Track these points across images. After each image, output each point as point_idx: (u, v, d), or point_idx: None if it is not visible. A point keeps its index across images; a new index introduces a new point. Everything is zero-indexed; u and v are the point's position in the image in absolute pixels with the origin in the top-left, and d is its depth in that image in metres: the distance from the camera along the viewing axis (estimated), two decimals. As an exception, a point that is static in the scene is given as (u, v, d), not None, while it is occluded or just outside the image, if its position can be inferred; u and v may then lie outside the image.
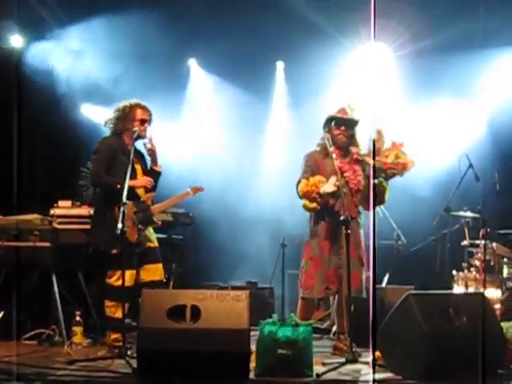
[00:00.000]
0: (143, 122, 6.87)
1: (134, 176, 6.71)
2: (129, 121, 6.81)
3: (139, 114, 6.85)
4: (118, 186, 6.31)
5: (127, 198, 6.16)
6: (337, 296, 6.75)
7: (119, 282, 6.35)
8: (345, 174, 6.60)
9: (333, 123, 6.81)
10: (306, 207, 6.55)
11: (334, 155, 6.33)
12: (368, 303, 6.87)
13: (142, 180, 6.87)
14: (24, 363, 5.73)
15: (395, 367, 5.50)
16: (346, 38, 9.90)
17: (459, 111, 10.21)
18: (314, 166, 6.72)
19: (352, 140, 6.84)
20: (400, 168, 6.43)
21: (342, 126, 6.78)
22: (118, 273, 6.43)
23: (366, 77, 10.31)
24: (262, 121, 11.20)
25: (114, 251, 6.56)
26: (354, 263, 6.35)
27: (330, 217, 6.62)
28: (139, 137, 6.86)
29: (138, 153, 6.93)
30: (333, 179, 6.34)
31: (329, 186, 6.36)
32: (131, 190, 6.50)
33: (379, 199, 6.58)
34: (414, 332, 5.33)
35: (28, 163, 9.41)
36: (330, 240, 6.63)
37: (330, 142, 6.49)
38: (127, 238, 6.34)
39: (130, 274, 6.51)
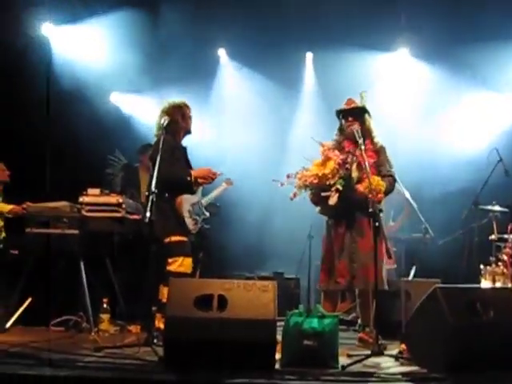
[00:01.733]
0: (191, 118, 7.25)
1: (190, 170, 7.10)
2: (183, 119, 7.13)
3: (189, 112, 7.22)
4: (188, 179, 6.80)
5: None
6: (357, 289, 6.77)
7: (181, 268, 6.73)
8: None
9: (340, 116, 6.86)
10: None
11: (362, 147, 6.31)
12: (390, 296, 6.90)
13: (204, 170, 7.12)
14: (52, 349, 5.74)
15: (421, 360, 5.47)
16: (378, 29, 9.84)
17: (491, 104, 10.15)
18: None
19: (363, 128, 6.79)
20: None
21: (349, 117, 6.79)
22: (180, 259, 6.75)
23: (394, 75, 10.34)
24: (291, 111, 11.21)
25: (174, 239, 6.78)
26: (368, 256, 6.38)
27: (343, 211, 6.64)
28: (188, 133, 7.26)
29: (184, 148, 7.27)
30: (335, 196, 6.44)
31: (332, 200, 6.45)
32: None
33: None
34: (440, 326, 5.29)
35: (57, 151, 9.47)
36: (341, 234, 6.68)
37: (358, 133, 6.46)
38: (187, 227, 6.89)
39: (189, 261, 6.86)
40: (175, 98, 7.40)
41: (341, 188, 6.46)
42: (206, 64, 11.03)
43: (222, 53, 11.31)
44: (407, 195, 8.29)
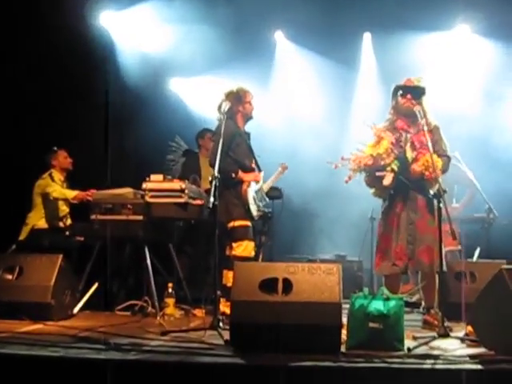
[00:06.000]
0: (250, 103, 7.31)
1: (251, 155, 7.37)
2: (239, 104, 7.23)
3: (247, 97, 7.29)
4: (233, 176, 6.98)
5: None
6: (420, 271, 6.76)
7: (245, 253, 6.89)
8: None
9: (399, 93, 6.81)
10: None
11: (425, 128, 6.26)
12: (455, 277, 6.84)
13: (253, 175, 7.32)
14: (119, 333, 5.84)
15: (488, 342, 5.41)
16: (437, 13, 9.71)
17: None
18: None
19: (420, 108, 6.74)
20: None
21: (407, 95, 6.74)
22: (244, 243, 6.92)
23: (454, 54, 10.20)
24: (349, 92, 11.17)
25: (238, 224, 6.95)
26: (425, 237, 6.46)
27: (398, 192, 6.63)
28: (249, 118, 7.36)
29: (248, 134, 7.43)
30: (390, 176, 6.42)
31: (387, 180, 6.44)
32: (252, 170, 7.28)
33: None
34: (507, 307, 5.23)
35: (118, 139, 9.60)
36: (397, 215, 6.65)
37: (421, 113, 6.42)
38: (251, 213, 7.03)
39: (252, 245, 7.02)
40: (235, 82, 7.47)
41: (396, 169, 6.44)
42: (263, 47, 11.04)
43: (279, 35, 11.30)
44: (471, 175, 8.20)
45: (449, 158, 6.74)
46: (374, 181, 6.63)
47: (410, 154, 6.56)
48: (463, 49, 10.45)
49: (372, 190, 6.79)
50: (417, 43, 10.18)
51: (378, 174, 6.53)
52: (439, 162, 6.38)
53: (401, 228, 6.61)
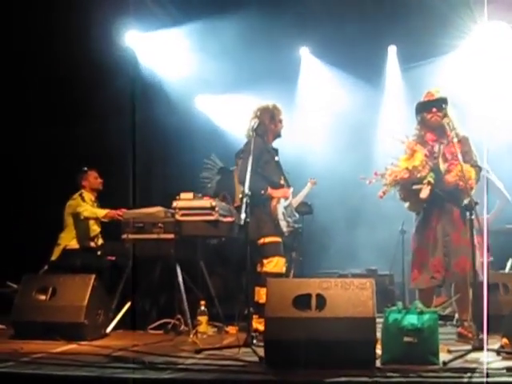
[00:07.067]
0: (281, 121, 7.33)
1: (280, 171, 7.34)
2: (271, 122, 7.26)
3: (279, 115, 7.32)
4: (262, 192, 6.95)
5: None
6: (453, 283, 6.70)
7: (276, 269, 6.88)
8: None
9: (423, 109, 6.79)
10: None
11: (455, 139, 6.26)
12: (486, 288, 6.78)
13: (282, 191, 7.29)
14: (153, 352, 5.84)
15: (524, 354, 5.38)
16: (460, 19, 9.66)
17: None
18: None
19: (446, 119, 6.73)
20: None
21: (432, 108, 6.71)
22: (275, 259, 6.92)
23: (483, 57, 10.06)
24: (375, 107, 11.14)
25: (268, 240, 6.97)
26: (460, 249, 6.38)
27: (433, 204, 6.59)
28: (278, 136, 7.40)
29: (275, 150, 7.41)
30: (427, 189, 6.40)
31: (424, 193, 6.40)
32: (281, 187, 7.25)
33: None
34: (542, 318, 5.20)
35: (147, 158, 9.65)
36: (433, 228, 6.61)
37: (450, 126, 6.43)
38: (281, 229, 7.02)
39: (283, 261, 7.02)
40: (261, 98, 7.48)
41: (432, 181, 6.41)
42: (289, 63, 11.06)
43: (304, 51, 11.32)
44: (501, 186, 8.16)
45: (480, 168, 6.71)
46: (409, 194, 6.59)
47: (442, 166, 6.54)
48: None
49: (406, 204, 6.74)
50: (442, 55, 10.15)
51: (414, 187, 6.49)
52: (472, 172, 6.36)
53: (437, 240, 6.57)
